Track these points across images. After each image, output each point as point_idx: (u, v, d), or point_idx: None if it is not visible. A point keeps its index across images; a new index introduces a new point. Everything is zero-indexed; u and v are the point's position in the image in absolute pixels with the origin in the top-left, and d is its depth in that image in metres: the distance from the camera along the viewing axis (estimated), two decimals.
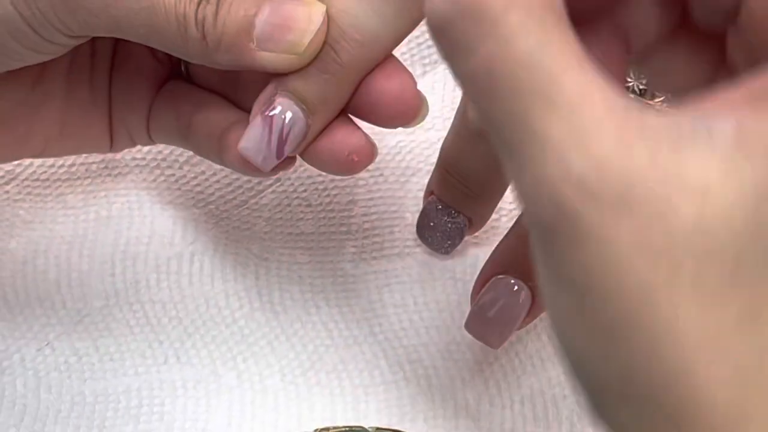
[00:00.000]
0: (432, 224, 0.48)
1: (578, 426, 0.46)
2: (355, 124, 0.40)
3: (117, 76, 0.44)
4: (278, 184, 0.50)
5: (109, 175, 0.50)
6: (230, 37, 0.37)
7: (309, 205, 0.50)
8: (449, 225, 0.48)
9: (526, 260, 0.42)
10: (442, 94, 0.51)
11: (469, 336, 0.47)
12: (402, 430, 0.45)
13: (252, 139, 0.39)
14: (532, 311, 0.44)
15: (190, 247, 0.49)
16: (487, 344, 0.44)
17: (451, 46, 0.27)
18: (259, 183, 0.50)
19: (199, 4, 0.37)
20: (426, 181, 0.48)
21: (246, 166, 0.40)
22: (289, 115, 0.39)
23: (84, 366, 0.46)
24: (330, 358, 0.47)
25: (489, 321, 0.44)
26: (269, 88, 0.39)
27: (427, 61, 0.51)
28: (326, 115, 0.39)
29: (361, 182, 0.51)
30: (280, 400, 0.46)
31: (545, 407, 0.46)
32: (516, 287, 0.43)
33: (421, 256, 0.49)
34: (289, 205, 0.50)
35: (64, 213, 0.50)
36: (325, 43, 0.38)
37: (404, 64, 0.39)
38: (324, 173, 0.50)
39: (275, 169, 0.40)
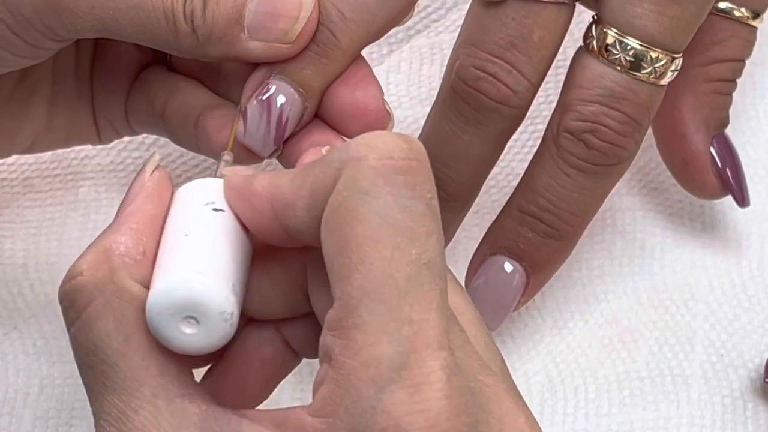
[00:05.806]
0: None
1: None
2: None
3: (97, 65, 0.43)
4: None
5: (76, 158, 0.50)
6: (220, 28, 0.37)
7: None
8: None
9: (519, 239, 0.42)
10: (408, 72, 0.51)
11: None
12: None
13: (250, 125, 0.39)
14: (527, 292, 0.43)
15: None
16: None
17: (63, 311, 0.34)
18: None
19: None
20: None
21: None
22: (283, 98, 0.38)
23: (52, 349, 0.46)
24: None
25: (484, 304, 0.42)
26: (260, 72, 0.39)
27: (393, 39, 0.51)
28: (321, 97, 0.39)
29: None
30: None
31: None
32: (510, 269, 0.42)
33: None
34: None
35: (32, 197, 0.49)
36: (321, 25, 0.38)
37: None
38: None
39: (271, 155, 0.39)
